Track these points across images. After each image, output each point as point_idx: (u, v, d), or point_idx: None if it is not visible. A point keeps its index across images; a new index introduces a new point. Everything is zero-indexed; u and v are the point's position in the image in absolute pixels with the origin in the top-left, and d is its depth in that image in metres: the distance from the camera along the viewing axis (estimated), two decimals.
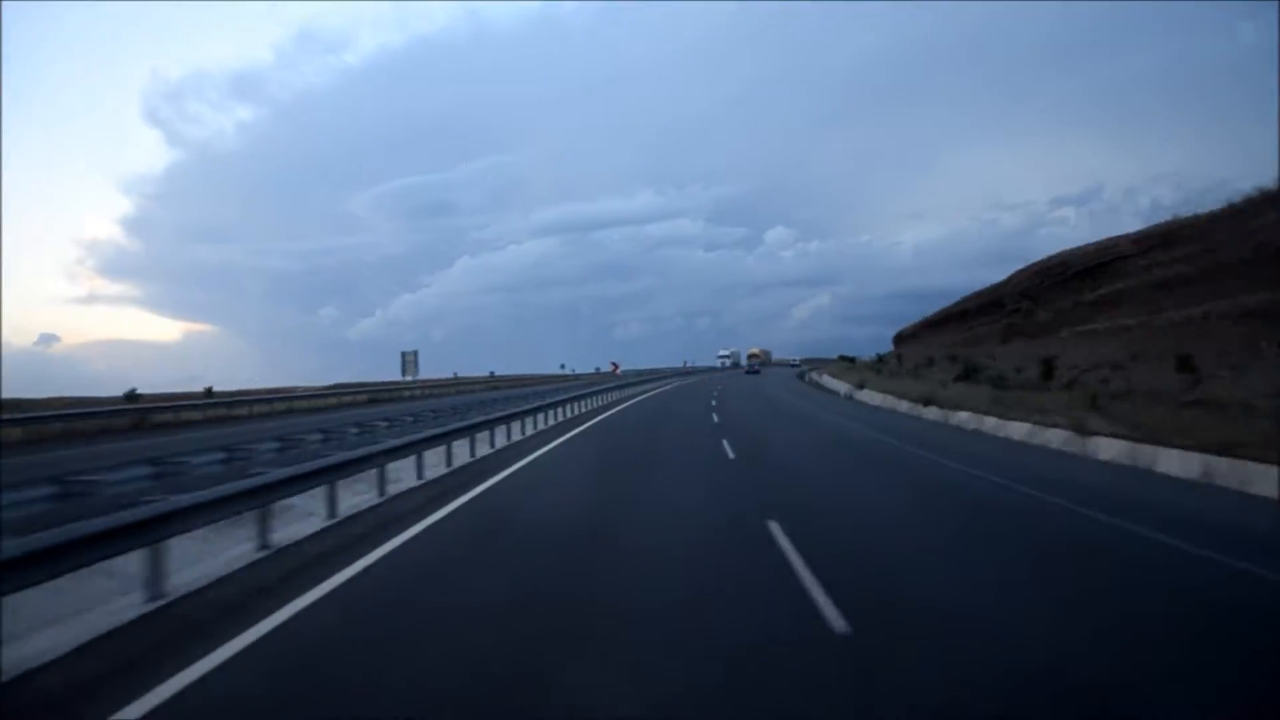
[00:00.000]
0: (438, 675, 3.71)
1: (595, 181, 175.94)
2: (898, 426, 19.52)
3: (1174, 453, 11.25)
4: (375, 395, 35.73)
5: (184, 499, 5.35)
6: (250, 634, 4.28)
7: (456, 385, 51.50)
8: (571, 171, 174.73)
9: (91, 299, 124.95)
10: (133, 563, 4.99)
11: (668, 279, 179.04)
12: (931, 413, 22.41)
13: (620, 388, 37.46)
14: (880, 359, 65.20)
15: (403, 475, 10.00)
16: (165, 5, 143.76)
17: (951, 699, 3.42)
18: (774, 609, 4.72)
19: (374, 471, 8.93)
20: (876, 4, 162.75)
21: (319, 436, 11.43)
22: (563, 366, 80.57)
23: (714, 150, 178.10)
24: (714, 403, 29.02)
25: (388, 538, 6.78)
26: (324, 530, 7.20)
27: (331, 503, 7.70)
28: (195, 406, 23.84)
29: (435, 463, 11.27)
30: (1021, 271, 44.90)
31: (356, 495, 8.79)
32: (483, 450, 13.60)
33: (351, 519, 7.74)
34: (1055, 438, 14.89)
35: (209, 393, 31.48)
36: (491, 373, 70.00)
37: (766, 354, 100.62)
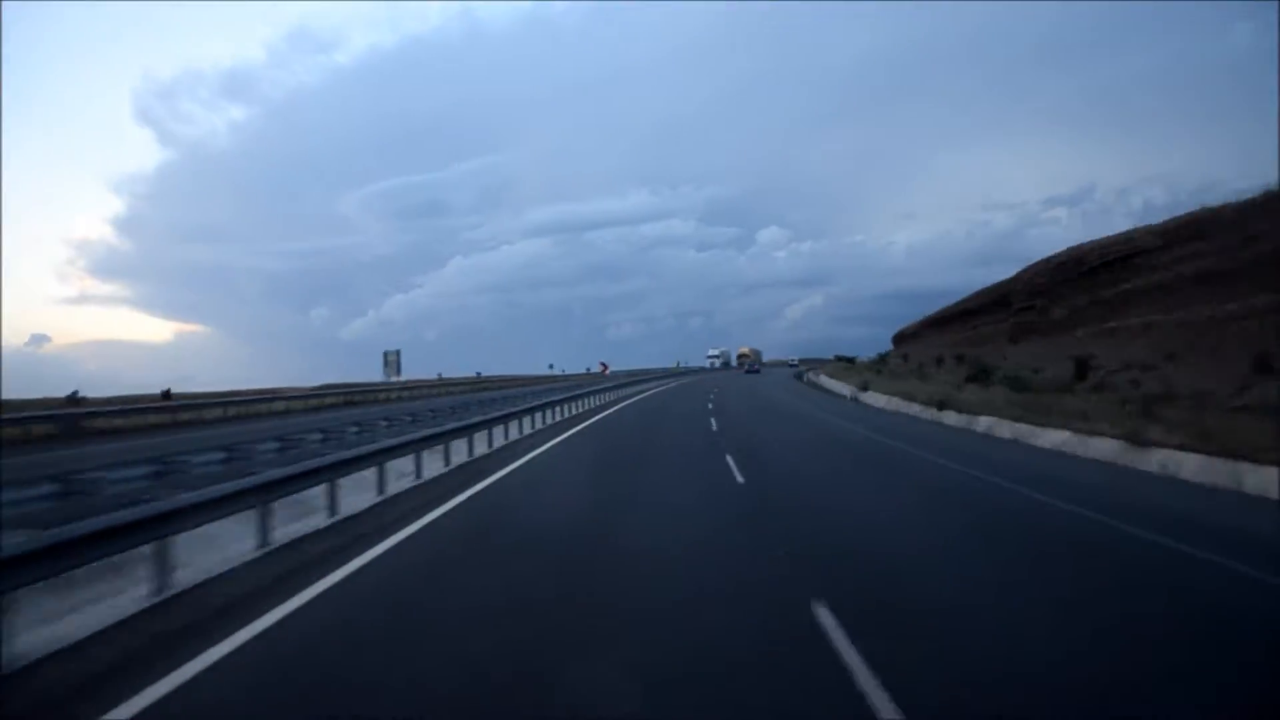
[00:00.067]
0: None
1: (588, 181, 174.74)
2: (927, 437, 17.02)
3: (1272, 470, 9.29)
4: (349, 397, 33.54)
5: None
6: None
7: (439, 386, 49.30)
8: (564, 171, 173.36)
9: (83, 299, 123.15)
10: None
11: (660, 279, 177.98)
12: (951, 417, 20.38)
13: (612, 389, 36.17)
14: (881, 359, 63.58)
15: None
16: (157, 5, 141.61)
17: None
18: None
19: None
20: (873, 3, 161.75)
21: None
22: (551, 367, 78.76)
23: (707, 150, 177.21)
24: (710, 405, 27.39)
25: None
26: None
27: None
28: (137, 410, 21.53)
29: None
30: (1030, 268, 42.86)
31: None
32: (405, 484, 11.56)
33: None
34: (1104, 449, 12.94)
35: (167, 395, 29.17)
36: (478, 373, 67.82)
37: (757, 354, 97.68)
